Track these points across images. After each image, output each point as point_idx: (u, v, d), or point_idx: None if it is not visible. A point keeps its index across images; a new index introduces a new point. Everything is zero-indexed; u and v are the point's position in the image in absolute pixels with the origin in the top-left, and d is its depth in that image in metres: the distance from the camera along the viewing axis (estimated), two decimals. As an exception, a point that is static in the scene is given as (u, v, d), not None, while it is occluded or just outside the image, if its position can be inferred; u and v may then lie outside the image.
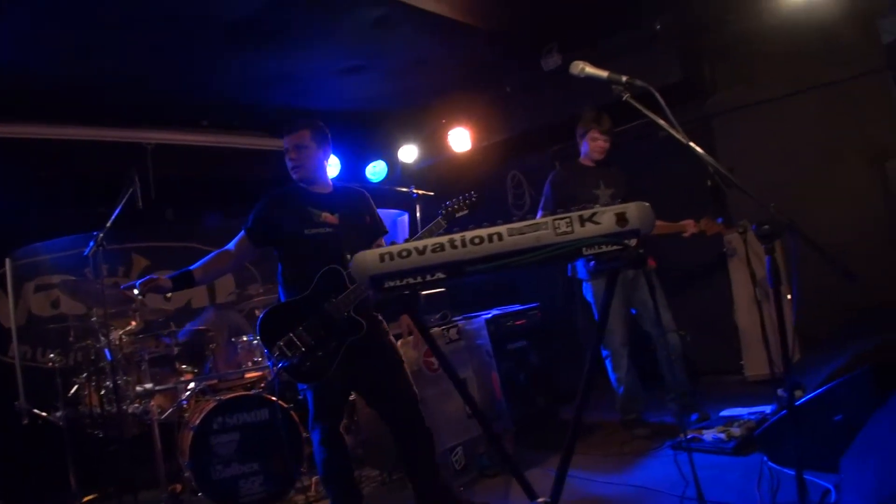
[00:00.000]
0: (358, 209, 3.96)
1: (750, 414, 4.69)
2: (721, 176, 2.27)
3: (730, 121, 6.38)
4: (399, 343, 4.14)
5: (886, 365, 3.44)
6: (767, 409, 4.70)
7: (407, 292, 1.44)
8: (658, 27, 5.56)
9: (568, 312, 6.36)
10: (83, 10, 4.32)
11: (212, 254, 3.90)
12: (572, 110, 5.31)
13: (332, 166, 7.06)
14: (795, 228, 2.07)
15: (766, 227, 1.97)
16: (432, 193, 5.66)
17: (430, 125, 7.31)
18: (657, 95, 2.28)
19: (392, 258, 1.40)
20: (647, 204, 1.27)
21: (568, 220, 1.29)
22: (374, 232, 3.99)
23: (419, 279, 1.39)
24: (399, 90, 6.63)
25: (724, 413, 4.93)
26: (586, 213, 1.28)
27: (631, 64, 5.65)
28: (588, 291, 5.13)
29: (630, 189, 5.04)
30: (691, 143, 2.21)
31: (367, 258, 1.43)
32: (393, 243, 1.49)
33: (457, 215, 4.00)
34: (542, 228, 1.29)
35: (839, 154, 5.80)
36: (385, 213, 4.32)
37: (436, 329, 4.86)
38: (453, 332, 4.89)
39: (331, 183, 4.00)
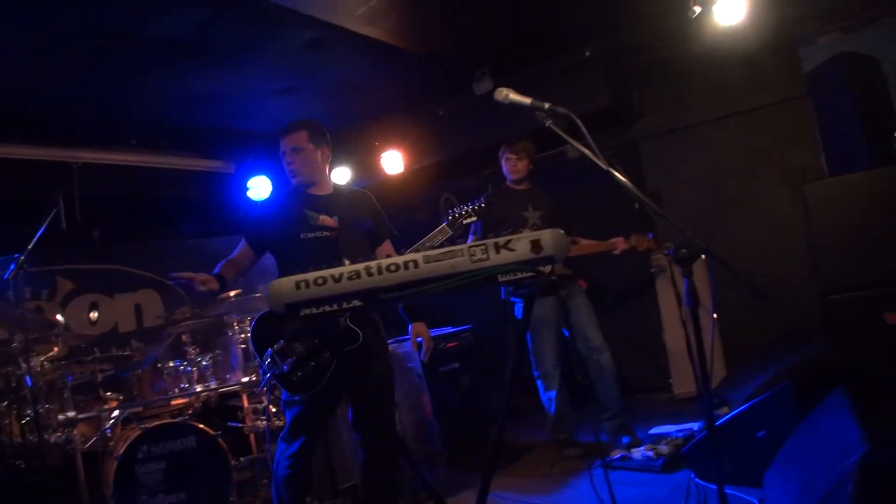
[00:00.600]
0: (359, 211, 3.77)
1: (678, 431, 4.79)
2: (640, 200, 2.31)
3: (656, 145, 6.57)
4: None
5: (806, 381, 3.56)
6: (695, 426, 4.81)
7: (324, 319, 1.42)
8: (587, 53, 5.68)
9: (501, 334, 6.39)
10: (7, 27, 4.21)
11: (219, 265, 3.69)
12: (505, 134, 5.38)
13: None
14: (711, 252, 2.12)
15: (684, 251, 2.01)
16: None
17: (362, 147, 7.29)
18: (578, 122, 2.32)
19: (308, 286, 1.39)
20: (562, 231, 1.29)
21: (483, 247, 1.29)
22: (378, 234, 3.80)
23: (335, 307, 1.38)
24: (332, 112, 6.60)
25: (654, 431, 5.03)
26: (501, 240, 1.29)
27: (561, 89, 5.82)
28: (520, 312, 5.17)
29: (559, 211, 5.16)
30: (611, 169, 2.25)
31: (283, 285, 1.41)
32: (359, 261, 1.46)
33: (464, 222, 3.89)
34: (458, 256, 1.30)
35: (762, 177, 6.02)
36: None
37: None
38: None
39: (332, 184, 3.86)
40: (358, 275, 1.34)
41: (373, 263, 1.34)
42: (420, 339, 3.81)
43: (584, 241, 5.14)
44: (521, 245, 1.28)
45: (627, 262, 5.49)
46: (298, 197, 3.70)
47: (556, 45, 5.85)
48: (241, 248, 3.75)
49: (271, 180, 7.02)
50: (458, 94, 6.36)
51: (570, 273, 5.17)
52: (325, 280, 1.37)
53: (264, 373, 3.40)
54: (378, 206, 3.88)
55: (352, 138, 7.29)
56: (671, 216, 2.21)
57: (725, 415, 3.82)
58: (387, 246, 3.83)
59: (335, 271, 1.36)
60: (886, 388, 3.82)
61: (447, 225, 3.85)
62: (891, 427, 3.50)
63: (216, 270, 3.60)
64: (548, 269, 1.29)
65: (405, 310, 3.82)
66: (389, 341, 4.97)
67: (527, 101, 2.61)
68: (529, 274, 1.28)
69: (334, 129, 7.16)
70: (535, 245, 1.28)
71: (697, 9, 4.61)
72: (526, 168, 5.18)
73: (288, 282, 1.41)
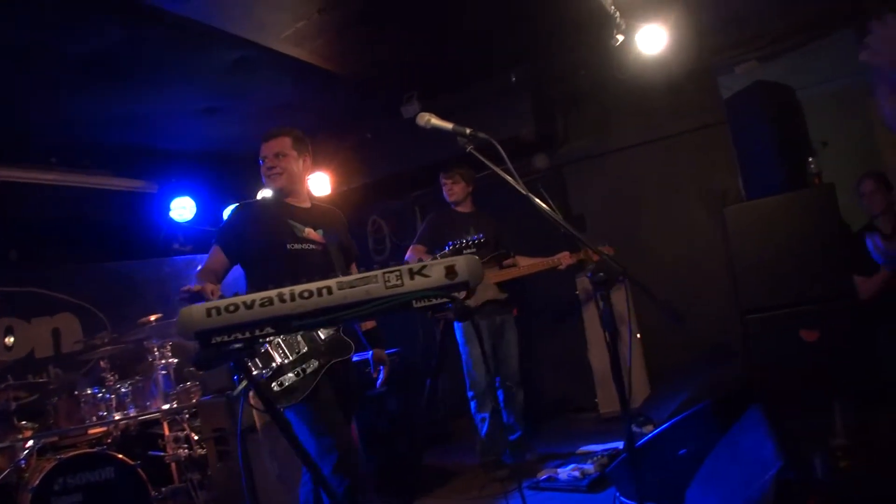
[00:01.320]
0: (337, 228, 3.67)
1: (604, 450, 4.85)
2: (557, 224, 2.35)
3: (581, 169, 6.71)
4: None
5: (725, 399, 3.65)
6: (621, 444, 4.88)
7: (237, 346, 1.39)
8: (513, 79, 5.77)
9: (429, 356, 6.38)
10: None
11: (196, 277, 3.34)
12: (433, 157, 5.41)
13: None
14: (628, 275, 2.16)
15: (601, 274, 2.05)
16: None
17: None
18: (498, 147, 2.35)
19: (219, 312, 1.35)
20: (476, 257, 1.29)
21: (398, 273, 1.29)
22: (348, 255, 3.68)
23: (247, 334, 1.34)
24: (259, 133, 6.48)
25: (581, 449, 5.08)
26: (416, 266, 1.29)
27: (488, 113, 5.89)
28: (459, 331, 5.21)
29: (502, 233, 5.29)
30: (530, 194, 2.28)
31: (194, 312, 1.37)
32: (236, 294, 1.43)
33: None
34: (373, 282, 1.28)
35: (684, 201, 6.20)
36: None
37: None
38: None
39: (309, 197, 3.72)
40: (270, 301, 1.31)
41: (285, 290, 1.31)
42: (382, 366, 3.73)
43: (525, 262, 5.25)
44: (435, 271, 1.28)
45: (555, 285, 5.58)
46: (280, 207, 3.52)
47: (483, 70, 5.94)
48: (215, 256, 3.41)
49: (195, 201, 6.89)
50: (387, 117, 6.38)
51: (505, 297, 5.24)
52: (236, 307, 1.33)
53: (238, 379, 3.17)
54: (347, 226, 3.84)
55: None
56: (591, 240, 2.24)
57: (649, 433, 3.87)
58: (353, 269, 3.69)
59: (247, 298, 1.33)
60: (800, 404, 3.96)
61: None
62: (804, 442, 3.63)
63: (196, 283, 3.24)
64: (462, 294, 1.29)
65: (366, 334, 3.67)
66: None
67: (448, 125, 2.63)
68: (444, 300, 1.28)
69: (252, 152, 7.15)
70: (450, 271, 1.28)
71: (620, 37, 4.74)
72: (463, 191, 5.26)
73: (199, 309, 1.37)
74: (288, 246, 3.37)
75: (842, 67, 5.68)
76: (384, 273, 1.28)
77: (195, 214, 6.92)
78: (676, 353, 5.62)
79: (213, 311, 1.34)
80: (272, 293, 1.32)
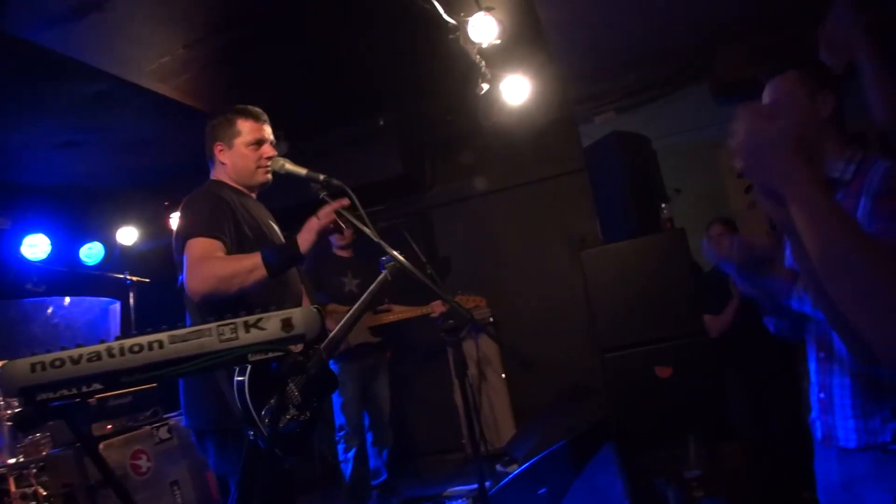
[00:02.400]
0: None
1: (470, 491, 4.89)
2: (408, 271, 2.38)
3: (448, 212, 6.83)
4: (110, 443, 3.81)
5: (582, 437, 3.76)
6: (487, 484, 4.92)
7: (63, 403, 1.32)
8: (381, 122, 5.83)
9: None
10: None
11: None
12: (301, 197, 5.37)
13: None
14: (476, 321, 2.21)
15: (451, 321, 2.08)
16: (148, 280, 5.37)
17: (151, 207, 6.96)
18: (351, 194, 2.37)
19: (45, 368, 1.28)
20: (314, 309, 1.28)
21: (233, 326, 1.26)
22: None
23: (74, 391, 1.28)
24: (120, 168, 6.32)
25: (448, 491, 5.10)
26: (252, 319, 1.27)
27: (356, 156, 5.93)
28: (336, 369, 5.19)
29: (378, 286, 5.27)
30: (381, 241, 2.31)
31: (18, 367, 1.30)
32: (102, 341, 1.35)
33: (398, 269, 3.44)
34: (206, 335, 1.25)
35: (546, 244, 6.42)
36: (95, 302, 4.01)
37: (145, 428, 4.50)
38: (164, 430, 4.55)
39: None
40: (98, 356, 1.26)
41: (115, 344, 1.26)
42: None
43: (398, 308, 5.31)
44: (271, 324, 1.26)
45: (427, 329, 5.63)
46: (248, 201, 2.95)
47: (351, 113, 5.97)
48: (213, 248, 2.63)
49: (50, 238, 6.52)
50: (253, 157, 6.27)
51: (379, 341, 5.27)
52: (62, 362, 1.27)
53: (260, 443, 2.33)
54: None
55: (140, 197, 6.96)
56: (444, 287, 2.28)
57: (513, 472, 3.94)
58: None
59: (74, 353, 1.27)
60: (656, 438, 4.13)
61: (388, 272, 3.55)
62: (660, 475, 3.79)
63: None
64: (298, 347, 1.28)
65: None
66: (171, 414, 4.74)
67: (302, 171, 2.63)
68: (280, 353, 1.27)
69: (121, 187, 6.89)
70: (286, 323, 1.27)
71: (485, 86, 4.87)
72: (351, 236, 5.23)
73: (23, 364, 1.30)
74: None
75: (693, 120, 6.07)
76: (218, 326, 1.25)
77: (49, 253, 6.54)
78: (541, 392, 5.76)
79: (38, 367, 1.27)
80: (101, 347, 1.26)
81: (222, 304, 2.28)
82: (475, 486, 5.02)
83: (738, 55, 5.43)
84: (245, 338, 1.25)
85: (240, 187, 2.96)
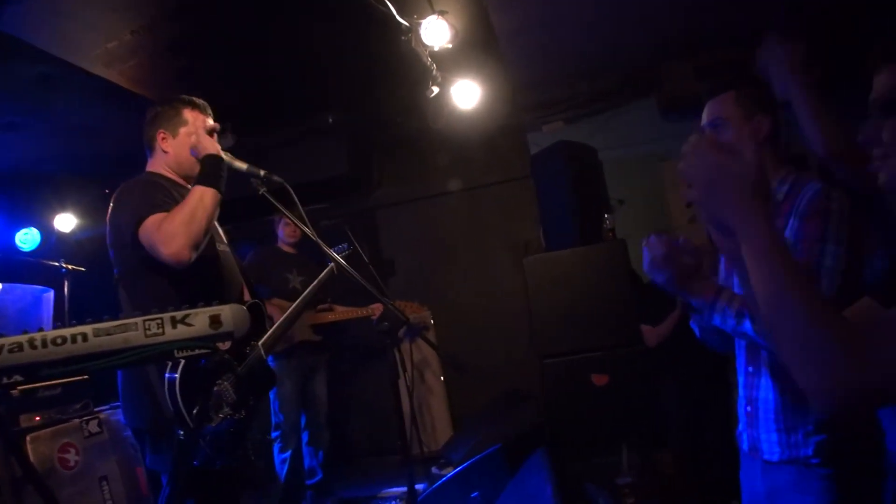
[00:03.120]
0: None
1: (404, 493, 4.88)
2: (345, 271, 2.38)
3: (394, 213, 6.84)
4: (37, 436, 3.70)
5: (516, 442, 3.80)
6: (422, 486, 4.93)
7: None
8: (330, 120, 5.80)
9: None
10: None
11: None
12: (244, 191, 5.33)
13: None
14: (411, 324, 2.22)
15: (385, 323, 2.09)
16: (84, 269, 5.25)
17: (92, 194, 6.81)
18: (291, 192, 2.36)
19: (-39, 359, 1.25)
20: (243, 307, 1.28)
21: (159, 321, 1.25)
22: None
23: (-8, 382, 1.25)
24: (61, 154, 6.16)
25: (383, 492, 5.10)
26: (179, 314, 1.25)
27: (303, 153, 5.90)
28: (275, 365, 5.13)
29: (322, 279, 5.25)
30: (319, 241, 2.30)
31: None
32: (25, 332, 1.31)
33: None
34: (132, 329, 1.24)
35: (490, 249, 6.47)
36: (28, 289, 3.90)
37: (74, 421, 4.38)
38: (94, 424, 4.39)
39: None
40: (20, 347, 1.23)
41: (37, 335, 1.24)
42: None
43: (340, 308, 5.29)
44: (199, 320, 1.25)
45: (368, 329, 5.62)
46: (185, 195, 2.76)
47: (301, 108, 5.92)
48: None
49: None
50: (199, 148, 6.19)
51: (319, 340, 5.25)
52: (-19, 352, 1.24)
53: (190, 442, 2.20)
54: None
55: (81, 183, 6.80)
56: (379, 290, 2.29)
57: (448, 474, 3.95)
58: None
59: (-7, 343, 1.24)
60: (591, 445, 4.20)
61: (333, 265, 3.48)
62: (593, 481, 3.85)
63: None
64: (226, 344, 1.28)
65: None
66: (103, 408, 4.63)
67: (243, 166, 2.61)
68: (206, 350, 1.26)
69: (61, 172, 6.72)
70: (215, 320, 1.26)
71: (435, 89, 4.89)
72: (298, 233, 5.21)
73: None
74: (218, 245, 2.85)
75: (640, 133, 6.18)
76: (144, 320, 1.24)
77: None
78: (480, 396, 5.80)
79: (-46, 358, 1.24)
80: (23, 338, 1.24)
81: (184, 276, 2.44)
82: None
83: (683, 72, 5.56)
84: (172, 333, 1.24)
85: (178, 179, 2.88)
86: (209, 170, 2.60)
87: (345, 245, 3.67)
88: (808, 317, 1.15)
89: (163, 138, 2.88)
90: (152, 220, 2.52)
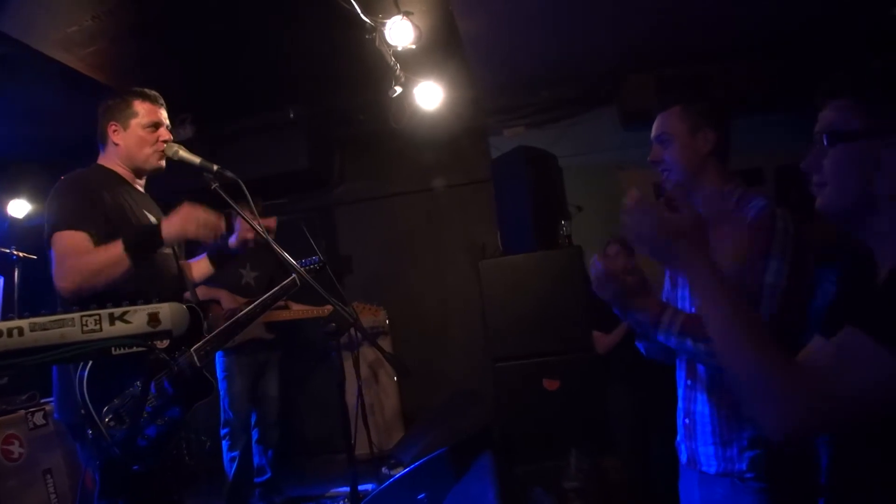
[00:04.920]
0: None
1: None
2: (295, 270, 2.38)
3: (353, 211, 6.83)
4: None
5: (464, 445, 3.82)
6: (372, 486, 4.94)
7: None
8: (291, 115, 5.77)
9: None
10: None
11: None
12: (195, 185, 5.29)
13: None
14: (360, 326, 2.24)
15: (332, 324, 2.10)
16: (35, 257, 5.16)
17: (50, 180, 6.67)
18: (244, 187, 2.35)
19: None
20: (183, 305, 1.27)
21: (97, 317, 1.24)
22: None
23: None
24: (19, 139, 6.03)
25: (331, 491, 5.09)
26: (117, 311, 1.25)
27: (263, 146, 5.86)
28: (219, 365, 5.11)
29: (277, 273, 5.22)
30: (269, 238, 2.30)
31: None
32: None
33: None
34: (68, 325, 1.23)
35: (448, 251, 6.50)
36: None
37: (20, 412, 4.29)
38: (39, 416, 4.34)
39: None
40: (-47, 339, 1.22)
41: (-28, 328, 1.23)
42: None
43: (296, 307, 5.26)
44: (137, 317, 1.25)
45: (318, 329, 5.61)
46: (129, 191, 2.85)
47: (262, 102, 5.88)
48: (84, 244, 2.55)
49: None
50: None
51: (272, 338, 5.21)
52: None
53: (98, 439, 2.32)
54: None
55: (36, 169, 6.66)
56: (337, 289, 2.29)
57: (397, 475, 3.95)
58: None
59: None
60: (540, 449, 4.24)
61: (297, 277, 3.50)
62: (539, 485, 3.89)
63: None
64: (165, 343, 1.28)
65: None
66: (50, 399, 4.53)
67: (196, 160, 2.59)
68: (144, 348, 1.25)
69: (15, 157, 6.58)
70: (153, 318, 1.25)
71: (398, 89, 4.90)
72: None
73: None
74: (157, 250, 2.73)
75: (600, 142, 6.26)
76: (82, 316, 1.23)
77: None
78: (433, 397, 5.82)
79: None
80: (-44, 331, 1.22)
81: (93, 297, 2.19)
82: (359, 487, 5.05)
83: (645, 84, 5.63)
84: (109, 330, 1.23)
85: (127, 173, 2.89)
86: (146, 244, 2.56)
87: (315, 258, 3.66)
88: (756, 361, 1.30)
89: (114, 131, 2.86)
90: (64, 243, 2.53)
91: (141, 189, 2.97)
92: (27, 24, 4.33)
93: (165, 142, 2.86)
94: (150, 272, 2.69)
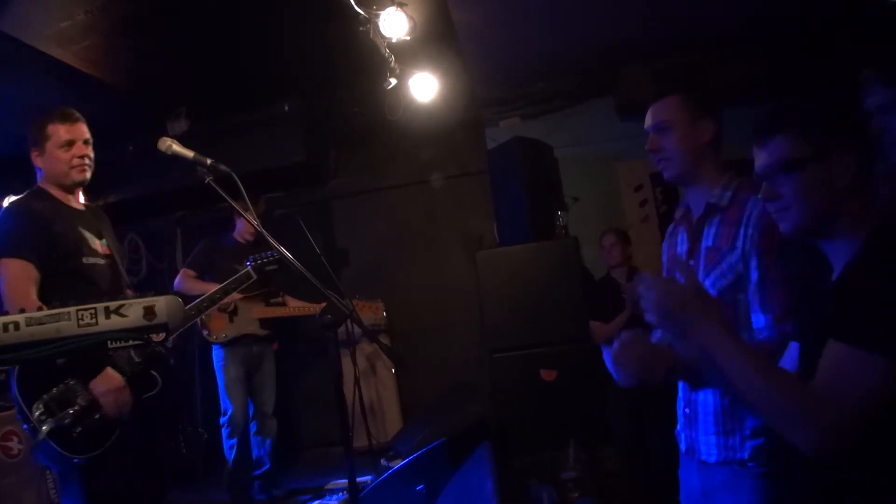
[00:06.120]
0: (114, 237, 3.20)
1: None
2: (291, 263, 2.38)
3: (350, 204, 6.83)
4: None
5: (461, 436, 3.82)
6: (370, 478, 4.94)
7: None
8: (286, 108, 5.77)
9: (173, 385, 6.15)
10: None
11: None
12: (190, 179, 5.30)
13: None
14: (355, 318, 2.24)
15: (328, 316, 2.10)
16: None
17: (35, 176, 6.65)
18: (238, 181, 2.35)
19: None
20: (179, 299, 1.28)
21: (92, 311, 1.24)
22: None
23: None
24: (9, 134, 6.00)
25: (330, 484, 5.10)
26: (113, 304, 1.25)
27: (259, 140, 5.85)
28: (215, 357, 5.17)
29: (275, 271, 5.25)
30: (263, 231, 2.30)
31: None
32: None
33: (266, 269, 3.74)
34: (64, 319, 1.23)
35: (444, 242, 6.50)
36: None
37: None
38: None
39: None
40: (-52, 334, 1.22)
41: (-32, 323, 1.23)
42: None
43: (293, 303, 5.28)
44: (133, 311, 1.25)
45: (316, 320, 5.62)
46: (64, 209, 3.00)
47: (258, 95, 5.87)
48: (26, 274, 2.76)
49: None
50: (151, 132, 6.04)
51: (266, 334, 5.24)
52: None
53: (33, 430, 2.48)
54: None
55: (25, 165, 6.63)
56: (334, 282, 2.29)
57: (395, 466, 3.96)
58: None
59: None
60: (538, 440, 4.24)
61: (252, 268, 3.69)
62: (537, 476, 3.89)
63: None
64: (161, 336, 1.28)
65: None
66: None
67: (189, 154, 2.59)
68: (140, 342, 1.25)
69: (8, 153, 6.54)
70: (149, 311, 1.25)
71: (393, 81, 4.89)
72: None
73: None
74: (84, 259, 2.92)
75: (596, 132, 6.25)
76: (78, 310, 1.23)
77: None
78: (431, 389, 5.82)
79: None
80: (-49, 326, 1.22)
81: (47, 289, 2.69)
82: (358, 479, 5.06)
83: (641, 74, 5.62)
84: (105, 324, 1.23)
85: (59, 193, 3.02)
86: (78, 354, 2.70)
87: (269, 252, 3.72)
88: (778, 398, 1.45)
89: (36, 156, 3.05)
90: (10, 267, 2.74)
91: (78, 205, 3.11)
92: (20, 20, 4.32)
93: (83, 156, 3.00)
94: (86, 287, 2.88)
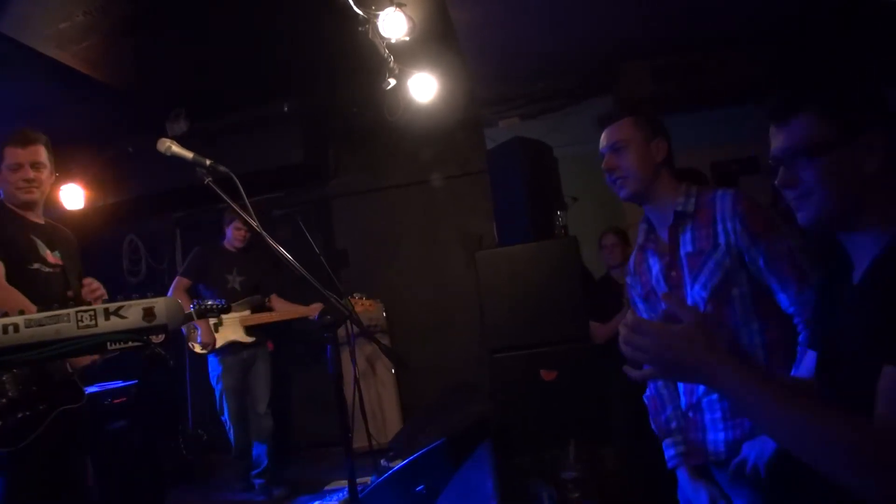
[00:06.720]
0: (72, 252, 3.31)
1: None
2: (289, 263, 2.38)
3: (349, 204, 6.83)
4: None
5: (461, 436, 3.82)
6: (370, 479, 4.94)
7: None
8: (285, 108, 5.77)
9: (171, 387, 6.17)
10: None
11: None
12: (190, 180, 5.30)
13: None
14: (355, 318, 2.23)
15: (328, 317, 2.10)
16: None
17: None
18: (237, 182, 2.35)
19: None
20: (178, 300, 1.28)
21: (92, 313, 1.24)
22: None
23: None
24: (7, 134, 6.00)
25: (329, 486, 5.10)
26: (113, 306, 1.25)
27: (258, 140, 5.85)
28: (210, 365, 5.28)
29: (265, 277, 5.27)
30: (263, 232, 2.30)
31: None
32: None
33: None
34: (64, 321, 1.23)
35: (444, 242, 6.50)
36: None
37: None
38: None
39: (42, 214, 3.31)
40: (-52, 336, 1.22)
41: (-34, 325, 1.23)
42: None
43: (282, 306, 5.33)
44: (132, 312, 1.25)
45: (314, 323, 5.63)
46: (17, 218, 3.14)
47: (256, 95, 5.88)
48: None
49: None
50: (151, 132, 6.04)
51: (252, 341, 5.31)
52: None
53: None
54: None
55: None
56: (334, 282, 2.29)
57: (395, 467, 3.95)
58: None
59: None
60: (538, 440, 4.24)
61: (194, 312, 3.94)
62: (537, 476, 3.89)
63: None
64: (161, 337, 1.28)
65: None
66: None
67: (188, 155, 2.59)
68: (139, 343, 1.25)
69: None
70: (148, 313, 1.25)
71: (392, 81, 4.89)
72: (248, 236, 5.31)
73: None
74: (30, 266, 3.04)
75: (596, 131, 6.21)
76: (77, 312, 1.23)
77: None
78: (430, 389, 5.82)
79: None
80: (-50, 328, 1.22)
81: None
82: (358, 479, 5.06)
83: (641, 73, 5.62)
84: (104, 325, 1.23)
85: (17, 210, 3.16)
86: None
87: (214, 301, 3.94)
88: (835, 441, 1.19)
89: None
90: None
91: (37, 218, 3.24)
92: (19, 21, 4.32)
93: (28, 180, 3.11)
94: (32, 294, 2.94)
